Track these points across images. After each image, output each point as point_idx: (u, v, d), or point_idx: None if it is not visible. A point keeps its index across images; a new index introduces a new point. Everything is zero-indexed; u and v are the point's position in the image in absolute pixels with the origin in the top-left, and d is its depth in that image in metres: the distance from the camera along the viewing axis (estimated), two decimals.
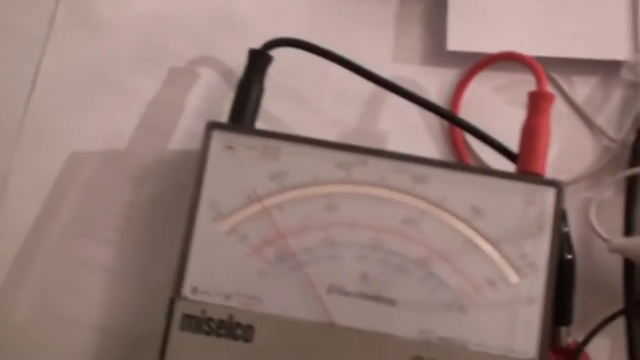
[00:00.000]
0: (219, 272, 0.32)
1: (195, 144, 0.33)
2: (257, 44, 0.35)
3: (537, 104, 0.34)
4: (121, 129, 0.38)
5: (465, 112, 0.38)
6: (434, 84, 0.39)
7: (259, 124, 0.35)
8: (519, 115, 0.34)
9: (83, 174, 0.37)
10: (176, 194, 0.36)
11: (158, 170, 0.37)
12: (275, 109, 0.38)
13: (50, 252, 0.37)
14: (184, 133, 0.38)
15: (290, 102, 0.38)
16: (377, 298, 0.32)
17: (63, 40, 0.39)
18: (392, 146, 0.37)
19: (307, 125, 0.37)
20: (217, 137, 0.33)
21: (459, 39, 0.39)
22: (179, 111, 0.38)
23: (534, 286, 0.32)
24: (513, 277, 0.32)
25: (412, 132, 0.39)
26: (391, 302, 0.32)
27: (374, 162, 0.33)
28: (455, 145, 0.39)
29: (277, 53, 0.35)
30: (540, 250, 0.32)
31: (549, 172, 0.34)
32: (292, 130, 0.36)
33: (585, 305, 0.36)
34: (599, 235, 0.35)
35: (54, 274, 0.36)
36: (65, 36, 0.39)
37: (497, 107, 0.39)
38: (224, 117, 0.35)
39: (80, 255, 0.36)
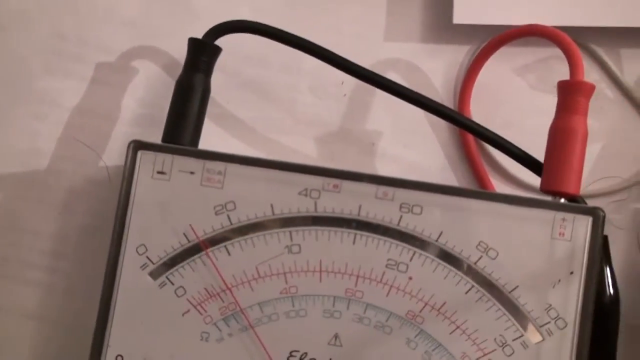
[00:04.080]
0: (149, 335, 0.28)
1: None
2: (209, 26, 0.31)
3: (569, 98, 0.29)
4: (40, 145, 0.34)
5: (480, 100, 0.34)
6: (438, 65, 0.35)
7: (210, 127, 0.32)
8: (553, 103, 0.30)
9: None
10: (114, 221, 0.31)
11: (90, 193, 0.33)
12: (235, 106, 0.34)
13: None
14: (121, 145, 0.34)
15: (254, 97, 0.34)
16: None
17: None
18: (386, 148, 0.34)
19: (276, 126, 0.34)
20: (145, 160, 0.29)
21: (467, 10, 0.34)
22: (112, 119, 0.34)
23: (562, 348, 0.28)
24: (534, 337, 0.28)
25: (411, 130, 0.34)
26: None
27: (349, 187, 0.28)
28: (466, 147, 0.34)
29: (235, 38, 0.31)
30: (570, 299, 0.28)
31: (589, 176, 0.32)
32: (257, 133, 0.34)
33: (634, 356, 0.32)
34: None
35: None
36: None
37: (521, 94, 0.35)
38: None
39: None
